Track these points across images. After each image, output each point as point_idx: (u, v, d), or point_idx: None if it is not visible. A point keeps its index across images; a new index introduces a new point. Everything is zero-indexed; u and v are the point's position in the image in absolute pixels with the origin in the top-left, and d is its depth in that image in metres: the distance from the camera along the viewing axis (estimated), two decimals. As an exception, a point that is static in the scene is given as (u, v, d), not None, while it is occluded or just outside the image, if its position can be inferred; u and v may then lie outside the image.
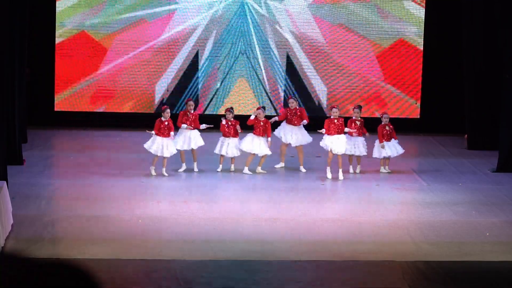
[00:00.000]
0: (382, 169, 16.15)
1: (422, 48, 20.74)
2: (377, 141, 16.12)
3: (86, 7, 20.15)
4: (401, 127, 18.21)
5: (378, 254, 11.18)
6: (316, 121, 16.42)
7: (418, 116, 20.80)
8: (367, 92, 20.76)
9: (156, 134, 15.22)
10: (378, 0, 20.54)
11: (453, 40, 20.20)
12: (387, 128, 16.15)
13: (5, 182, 12.07)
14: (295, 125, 16.29)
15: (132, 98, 20.42)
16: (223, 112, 17.72)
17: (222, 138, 15.73)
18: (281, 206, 13.46)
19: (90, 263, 10.08)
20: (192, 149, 15.68)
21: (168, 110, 15.40)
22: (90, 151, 17.62)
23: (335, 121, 15.52)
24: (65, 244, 11.17)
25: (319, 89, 20.70)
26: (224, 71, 20.56)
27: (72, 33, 20.17)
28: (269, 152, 15.71)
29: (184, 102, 20.32)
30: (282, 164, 16.45)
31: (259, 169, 15.75)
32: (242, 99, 20.52)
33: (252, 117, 15.85)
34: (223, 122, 15.77)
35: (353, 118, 16.04)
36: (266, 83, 20.57)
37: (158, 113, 17.15)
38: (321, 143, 15.63)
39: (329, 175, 15.40)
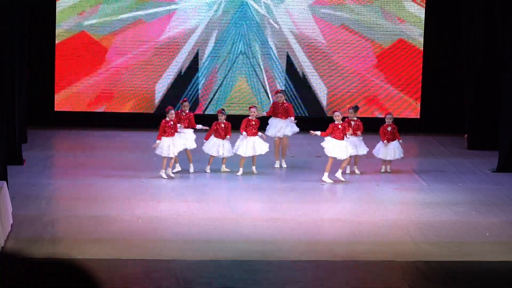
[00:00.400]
0: (383, 169, 16.08)
1: (422, 48, 20.74)
2: (381, 141, 16.04)
3: (86, 7, 20.15)
4: (401, 127, 18.16)
5: (378, 254, 11.19)
6: (316, 121, 16.42)
7: (418, 116, 20.80)
8: (366, 92, 20.75)
9: (163, 135, 15.10)
10: (378, 0, 20.54)
11: (453, 40, 20.20)
12: (389, 128, 16.05)
13: (5, 182, 12.08)
14: (281, 118, 16.33)
15: (132, 98, 20.41)
16: (263, 113, 17.74)
17: (214, 139, 15.61)
18: (281, 206, 13.46)
19: (90, 263, 10.07)
20: (186, 150, 15.63)
21: (173, 111, 15.30)
22: (90, 151, 17.61)
23: (339, 126, 15.21)
24: (65, 244, 11.18)
25: (319, 89, 20.70)
26: (224, 71, 20.55)
27: (72, 33, 20.16)
28: (267, 149, 15.59)
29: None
30: (277, 164, 16.45)
31: (253, 169, 15.63)
32: (242, 99, 20.51)
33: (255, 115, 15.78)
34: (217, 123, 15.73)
35: (348, 118, 15.96)
36: (266, 83, 20.56)
37: (158, 113, 17.18)
38: (326, 151, 15.25)
39: (328, 180, 15.09)
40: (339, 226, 12.68)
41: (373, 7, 20.56)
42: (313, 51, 20.61)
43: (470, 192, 14.85)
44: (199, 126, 15.75)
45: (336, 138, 15.13)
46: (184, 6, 20.33)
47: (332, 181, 15.05)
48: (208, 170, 15.68)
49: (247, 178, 15.55)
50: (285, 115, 16.36)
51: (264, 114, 16.74)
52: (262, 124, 16.24)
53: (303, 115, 20.56)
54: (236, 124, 16.34)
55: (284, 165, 16.41)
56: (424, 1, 20.62)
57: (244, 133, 15.50)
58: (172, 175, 15.19)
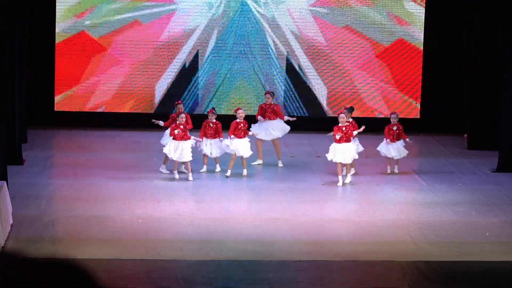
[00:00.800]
0: (388, 170, 15.96)
1: (422, 48, 20.74)
2: (384, 140, 15.99)
3: (86, 7, 20.14)
4: (401, 127, 18.20)
5: (378, 254, 11.19)
6: (316, 121, 16.40)
7: (418, 116, 20.79)
8: (366, 92, 20.74)
9: (174, 138, 14.94)
10: (378, 0, 20.53)
11: (453, 40, 20.19)
12: (394, 128, 15.94)
13: (5, 182, 12.08)
14: (270, 119, 16.33)
15: (132, 98, 20.41)
16: (223, 113, 17.72)
17: (204, 139, 15.46)
18: (281, 206, 13.46)
19: (90, 263, 10.07)
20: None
21: (183, 115, 15.07)
22: (90, 151, 17.61)
23: (343, 128, 14.99)
24: (65, 244, 11.18)
25: (319, 89, 20.69)
26: (224, 71, 20.55)
27: (72, 33, 20.16)
28: (250, 152, 15.45)
29: (186, 102, 20.33)
30: (260, 161, 16.45)
31: (244, 171, 15.46)
32: (242, 99, 20.51)
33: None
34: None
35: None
36: (266, 83, 20.56)
37: (158, 113, 17.15)
38: (329, 155, 15.07)
39: (340, 183, 14.93)
40: (339, 226, 12.68)
41: (373, 7, 20.55)
42: (313, 51, 20.60)
43: (470, 192, 14.85)
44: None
45: (340, 142, 14.94)
46: (184, 6, 20.32)
47: (341, 184, 14.94)
48: (203, 170, 15.65)
49: (247, 178, 15.54)
50: (273, 116, 16.37)
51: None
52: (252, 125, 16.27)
53: (303, 115, 20.56)
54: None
55: (281, 165, 16.40)
56: (424, 1, 20.61)
57: (232, 136, 15.36)
58: (177, 176, 15.07)
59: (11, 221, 11.69)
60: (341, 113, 15.28)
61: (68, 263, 3.04)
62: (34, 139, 18.12)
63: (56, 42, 20.13)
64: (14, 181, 13.75)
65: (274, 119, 16.40)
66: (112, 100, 20.38)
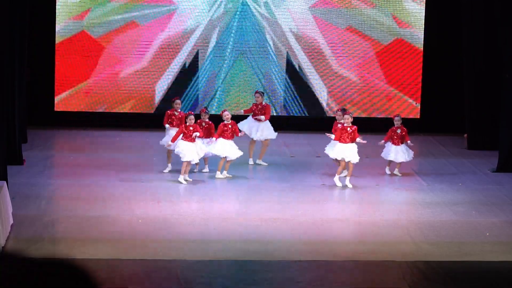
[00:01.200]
0: (387, 171, 15.86)
1: (422, 48, 20.74)
2: (388, 142, 15.91)
3: (86, 7, 20.14)
4: (401, 127, 18.20)
5: (378, 254, 11.19)
6: (316, 121, 16.40)
7: (418, 116, 20.79)
8: (366, 92, 20.75)
9: (183, 139, 14.82)
10: (378, 0, 20.53)
11: (453, 39, 20.19)
12: (398, 131, 15.82)
13: (5, 182, 12.08)
14: (259, 120, 16.34)
15: (132, 98, 20.41)
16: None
17: (185, 143, 14.95)
18: (281, 206, 13.46)
19: (90, 263, 10.08)
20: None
21: (192, 117, 14.89)
22: (90, 151, 17.61)
23: (348, 129, 14.88)
24: (65, 244, 11.18)
25: (319, 89, 20.70)
26: (224, 71, 20.55)
27: (72, 33, 20.16)
28: (239, 153, 15.29)
29: (185, 102, 20.34)
30: (251, 161, 16.46)
31: (225, 173, 15.28)
32: (242, 99, 20.51)
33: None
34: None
35: (336, 120, 15.89)
36: (266, 83, 20.56)
37: (158, 113, 17.15)
38: (332, 154, 15.02)
39: (338, 184, 14.84)
40: (339, 226, 12.68)
41: (373, 7, 20.55)
42: (313, 51, 20.60)
43: (470, 192, 14.85)
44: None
45: (343, 142, 14.88)
46: (184, 6, 20.32)
47: (341, 185, 14.80)
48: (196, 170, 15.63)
49: (246, 178, 15.54)
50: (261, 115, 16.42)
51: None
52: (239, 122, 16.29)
53: (303, 115, 20.57)
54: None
55: (264, 163, 16.41)
56: (424, 1, 20.61)
57: (216, 138, 15.19)
58: (189, 179, 14.95)
59: (11, 221, 11.69)
60: (345, 114, 15.17)
61: (68, 263, 3.04)
62: (34, 139, 18.11)
63: (56, 42, 20.13)
64: (14, 181, 13.75)
65: (263, 120, 16.41)
66: (112, 100, 20.38)
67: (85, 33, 20.20)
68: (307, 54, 20.59)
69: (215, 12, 20.42)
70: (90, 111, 20.34)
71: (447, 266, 10.82)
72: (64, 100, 20.31)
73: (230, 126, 15.33)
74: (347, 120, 14.93)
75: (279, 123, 20.21)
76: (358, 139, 14.81)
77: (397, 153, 15.75)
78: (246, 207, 13.47)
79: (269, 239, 11.65)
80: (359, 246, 11.52)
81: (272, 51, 20.54)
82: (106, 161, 16.52)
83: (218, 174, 15.22)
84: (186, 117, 14.99)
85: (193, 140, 14.80)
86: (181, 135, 14.76)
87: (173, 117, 15.64)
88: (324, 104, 20.68)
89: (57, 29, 20.10)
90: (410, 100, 20.86)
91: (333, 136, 15.10)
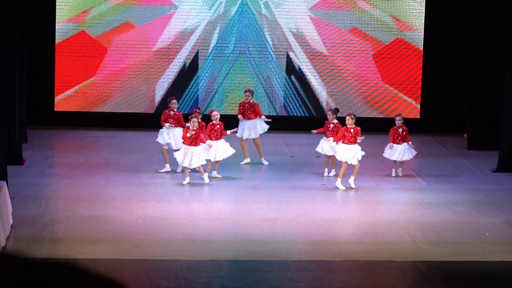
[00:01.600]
0: (393, 173, 15.81)
1: (422, 48, 20.74)
2: (390, 144, 15.85)
3: (86, 7, 20.15)
4: (401, 127, 18.20)
5: (378, 254, 11.19)
6: (316, 121, 16.38)
7: (418, 116, 20.80)
8: (366, 92, 20.75)
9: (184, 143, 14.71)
10: (378, 0, 20.53)
11: (453, 40, 20.20)
12: (400, 130, 15.77)
13: (5, 182, 12.07)
14: (249, 119, 16.33)
15: (132, 98, 20.41)
16: (223, 112, 17.68)
17: (184, 146, 14.74)
18: (281, 206, 13.46)
19: (90, 263, 10.08)
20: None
21: (195, 119, 14.71)
22: (90, 151, 17.61)
23: (352, 130, 14.77)
24: (65, 244, 11.18)
25: (319, 89, 20.70)
26: (224, 71, 20.56)
27: (72, 33, 20.17)
28: (231, 151, 15.17)
29: (185, 102, 20.35)
30: (247, 160, 16.45)
31: (214, 173, 15.11)
32: (241, 99, 20.48)
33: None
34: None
35: (328, 120, 15.89)
36: (266, 83, 20.57)
37: (159, 113, 17.13)
38: (337, 156, 14.86)
39: (341, 187, 14.67)
40: (339, 226, 12.68)
41: (372, 7, 20.55)
42: (313, 51, 20.61)
43: (470, 192, 14.85)
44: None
45: (348, 143, 14.77)
46: (184, 6, 20.33)
47: (345, 188, 14.66)
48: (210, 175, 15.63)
49: (246, 178, 15.55)
50: (253, 115, 16.39)
51: (236, 130, 16.30)
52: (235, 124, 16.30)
53: (303, 115, 20.57)
54: (236, 124, 16.43)
55: (266, 162, 16.43)
56: (424, 1, 20.61)
57: (208, 141, 14.89)
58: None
59: (11, 221, 11.69)
60: (347, 115, 15.04)
61: (69, 263, 3.04)
62: (34, 139, 18.12)
63: (56, 42, 20.13)
64: (14, 181, 13.75)
65: (253, 118, 16.41)
66: (112, 100, 20.38)
67: (85, 33, 20.20)
68: (307, 54, 20.60)
69: (215, 12, 20.43)
70: (90, 111, 20.34)
71: (447, 266, 10.81)
72: (64, 100, 20.32)
73: (218, 126, 15.21)
74: (349, 121, 14.81)
75: (279, 123, 20.25)
76: (358, 139, 14.73)
77: (400, 152, 15.70)
78: (246, 207, 13.46)
79: (269, 239, 11.65)
80: (359, 246, 11.52)
81: (272, 51, 20.54)
82: (106, 161, 16.52)
83: (206, 178, 14.85)
84: (190, 119, 14.77)
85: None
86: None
87: (170, 116, 15.64)
88: (324, 104, 20.68)
89: (57, 29, 20.11)
90: (410, 100, 20.86)
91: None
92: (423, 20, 20.65)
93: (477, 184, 15.51)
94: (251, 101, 16.52)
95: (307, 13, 20.52)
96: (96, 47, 20.23)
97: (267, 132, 16.77)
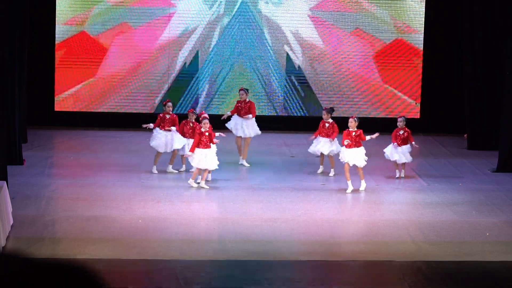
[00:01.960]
0: (397, 173, 15.69)
1: (422, 48, 20.74)
2: (391, 144, 15.80)
3: (86, 7, 20.15)
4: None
5: (378, 254, 11.19)
6: (316, 121, 16.37)
7: (418, 116, 20.79)
8: (366, 91, 20.75)
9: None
10: (378, 0, 20.52)
11: (453, 39, 20.20)
12: (401, 132, 15.67)
13: (5, 182, 12.07)
14: (244, 117, 16.33)
15: (132, 98, 20.41)
16: (222, 112, 17.67)
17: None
18: (281, 206, 13.46)
19: (90, 263, 10.08)
20: (174, 151, 15.49)
21: (206, 121, 14.51)
22: (90, 151, 17.61)
23: (353, 133, 14.67)
24: (65, 244, 11.18)
25: (319, 89, 20.70)
26: (224, 71, 20.55)
27: (72, 33, 20.16)
28: (215, 167, 14.57)
29: (185, 102, 20.34)
30: (243, 161, 16.42)
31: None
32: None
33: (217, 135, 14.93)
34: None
35: (323, 119, 15.89)
36: (266, 83, 20.57)
37: (159, 114, 17.09)
38: (343, 159, 14.68)
39: (350, 188, 14.54)
40: (339, 226, 12.68)
41: (372, 7, 20.55)
42: (313, 51, 20.61)
43: (470, 192, 14.85)
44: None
45: (350, 147, 14.62)
46: (184, 6, 20.32)
47: (352, 190, 14.56)
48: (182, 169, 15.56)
49: (246, 178, 15.54)
50: (247, 113, 16.39)
51: (229, 113, 16.60)
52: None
53: (303, 115, 20.58)
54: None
55: (246, 164, 16.33)
56: (424, 1, 20.61)
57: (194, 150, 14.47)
58: (195, 185, 14.58)
59: (11, 221, 11.69)
60: (350, 117, 14.91)
61: (69, 263, 3.04)
62: (34, 139, 18.12)
63: (56, 42, 20.13)
64: (14, 181, 13.76)
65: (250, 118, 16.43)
66: (112, 100, 20.38)
67: (85, 33, 20.20)
68: (307, 54, 20.60)
69: (215, 12, 20.42)
70: (90, 111, 20.34)
71: (447, 266, 10.82)
72: (64, 100, 20.31)
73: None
74: (351, 124, 14.70)
75: (279, 123, 20.25)
76: (368, 137, 14.59)
77: (399, 154, 15.63)
78: (246, 207, 13.46)
79: (269, 239, 11.65)
80: (359, 246, 11.52)
81: (272, 51, 20.54)
82: (106, 161, 16.52)
83: (192, 182, 14.59)
84: (201, 121, 14.58)
85: (208, 146, 14.57)
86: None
87: (165, 120, 15.58)
88: (324, 105, 20.66)
89: (57, 29, 20.10)
90: (410, 100, 20.86)
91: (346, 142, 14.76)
92: (423, 20, 20.65)
93: (477, 184, 15.51)
94: (246, 100, 16.52)
95: (307, 13, 20.52)
96: (96, 47, 20.23)
97: (267, 132, 16.74)
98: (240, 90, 16.80)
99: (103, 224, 12.13)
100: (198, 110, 18.67)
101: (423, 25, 20.66)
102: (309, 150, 15.99)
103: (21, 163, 15.68)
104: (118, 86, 20.35)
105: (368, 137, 14.70)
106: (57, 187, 14.35)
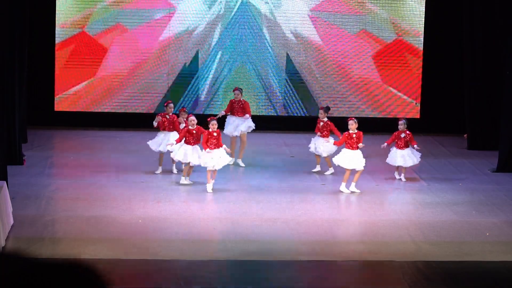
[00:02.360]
0: (396, 176, 15.57)
1: (422, 48, 20.74)
2: (393, 148, 15.80)
3: (86, 7, 20.14)
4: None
5: (378, 254, 11.19)
6: (316, 121, 16.35)
7: (418, 116, 20.79)
8: (365, 91, 20.74)
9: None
10: (378, 0, 20.52)
11: (453, 39, 20.20)
12: (402, 135, 15.54)
13: (5, 182, 12.07)
14: (239, 115, 16.32)
15: (132, 98, 20.41)
16: (222, 113, 17.64)
17: (208, 151, 14.31)
18: (281, 206, 13.46)
19: (90, 263, 10.07)
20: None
21: (214, 121, 14.40)
22: (90, 151, 17.61)
23: (354, 135, 14.58)
24: (65, 244, 11.18)
25: (319, 90, 20.69)
26: (224, 71, 20.55)
27: (72, 33, 20.16)
28: (227, 161, 14.52)
29: (185, 102, 20.34)
30: (232, 160, 16.28)
31: (187, 179, 14.69)
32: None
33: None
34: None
35: (319, 119, 15.91)
36: (266, 83, 20.56)
37: (159, 113, 17.11)
38: (336, 160, 14.67)
39: (345, 191, 14.49)
40: (339, 226, 12.68)
41: (372, 8, 20.55)
42: (313, 51, 20.60)
43: (470, 192, 14.85)
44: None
45: (350, 148, 14.60)
46: (184, 6, 20.32)
47: (349, 192, 14.51)
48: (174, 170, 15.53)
49: (246, 178, 15.54)
50: (242, 112, 16.40)
51: (223, 113, 16.60)
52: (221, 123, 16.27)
53: (303, 115, 20.58)
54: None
55: (242, 164, 16.29)
56: (424, 1, 20.60)
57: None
58: (186, 182, 14.68)
59: (11, 221, 11.69)
60: (350, 119, 14.86)
61: (69, 263, 3.03)
62: (34, 139, 18.11)
63: (56, 42, 20.13)
64: (14, 181, 13.75)
65: (243, 115, 16.41)
66: (112, 100, 20.38)
67: (85, 33, 20.19)
68: (306, 54, 20.59)
69: (215, 12, 20.42)
70: (90, 111, 20.34)
71: (447, 266, 10.82)
72: (64, 100, 20.31)
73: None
74: (351, 126, 14.63)
75: (279, 123, 20.25)
76: (360, 145, 14.54)
77: (404, 157, 15.52)
78: (246, 207, 13.46)
79: (269, 239, 11.65)
80: (359, 246, 11.52)
81: (272, 51, 20.54)
82: (106, 161, 16.52)
83: (183, 180, 14.66)
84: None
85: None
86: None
87: (165, 120, 15.57)
88: (324, 105, 20.65)
89: (57, 29, 20.10)
90: (410, 100, 20.85)
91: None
92: (423, 20, 20.64)
93: (477, 184, 15.51)
94: (241, 99, 16.52)
95: (307, 13, 20.52)
96: (96, 47, 20.23)
97: (267, 132, 16.73)
98: (235, 89, 16.77)
99: (103, 224, 12.13)
100: (198, 110, 18.70)
101: (423, 25, 20.66)
102: (310, 150, 16.00)
103: (21, 163, 15.68)
104: (118, 86, 20.35)
105: (361, 145, 14.57)
106: (57, 187, 14.35)
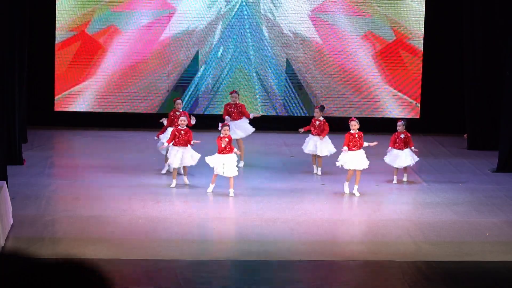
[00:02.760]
0: (395, 179, 15.43)
1: (422, 48, 20.74)
2: (389, 148, 15.70)
3: (86, 7, 20.14)
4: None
5: (378, 254, 11.19)
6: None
7: (418, 116, 20.79)
8: (366, 92, 20.74)
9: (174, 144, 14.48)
10: (378, 1, 20.53)
11: (453, 39, 20.20)
12: (402, 136, 15.45)
13: (5, 182, 12.07)
14: (235, 119, 16.26)
15: (132, 98, 20.40)
16: (221, 113, 17.65)
17: (218, 156, 14.20)
18: (281, 206, 13.45)
19: (90, 263, 10.07)
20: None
21: (226, 127, 14.30)
22: (90, 151, 17.61)
23: (356, 135, 14.51)
24: (65, 244, 11.18)
25: (319, 90, 20.69)
26: (224, 72, 20.55)
27: (72, 33, 20.16)
28: (235, 173, 14.24)
29: (185, 102, 20.34)
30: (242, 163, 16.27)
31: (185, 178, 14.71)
32: (241, 99, 20.48)
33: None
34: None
35: (314, 117, 15.88)
36: (266, 83, 20.56)
37: (158, 113, 17.14)
38: (339, 161, 14.57)
39: (346, 190, 14.45)
40: (338, 226, 12.68)
41: (372, 8, 20.55)
42: (313, 51, 20.60)
43: (470, 192, 14.85)
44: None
45: (352, 149, 14.53)
46: (184, 6, 20.32)
47: (348, 192, 14.45)
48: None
49: (246, 178, 15.54)
50: (239, 116, 16.31)
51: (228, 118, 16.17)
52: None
53: (303, 115, 20.57)
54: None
55: (241, 164, 16.21)
56: (424, 1, 20.60)
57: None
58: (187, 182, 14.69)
59: (11, 221, 11.69)
60: (351, 120, 14.79)
61: (69, 262, 3.04)
62: (34, 139, 18.11)
63: (56, 41, 20.13)
64: (14, 181, 13.75)
65: (239, 119, 16.34)
66: (112, 100, 20.38)
67: (85, 33, 20.19)
68: (306, 55, 20.59)
69: (215, 12, 20.42)
70: (90, 111, 20.34)
71: (447, 266, 10.82)
72: (64, 100, 20.31)
73: (183, 132, 14.44)
74: (353, 126, 14.56)
75: (279, 123, 20.25)
76: (366, 144, 14.49)
77: (402, 158, 15.49)
78: (246, 207, 13.46)
79: (269, 239, 11.65)
80: (359, 246, 11.52)
81: (272, 51, 20.54)
82: (106, 161, 16.52)
83: (174, 183, 14.56)
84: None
85: (185, 144, 14.55)
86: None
87: (175, 117, 15.49)
88: (324, 105, 20.65)
89: (57, 29, 20.10)
90: (410, 100, 20.85)
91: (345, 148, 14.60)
92: (423, 20, 20.64)
93: (477, 184, 15.51)
94: (237, 102, 16.45)
95: (307, 13, 20.52)
96: (96, 47, 20.22)
97: (267, 132, 16.73)
98: (233, 92, 16.59)
99: (103, 224, 12.13)
100: (198, 110, 18.70)
101: (423, 25, 20.66)
102: (305, 151, 15.96)
103: (21, 163, 15.67)
104: (118, 86, 20.35)
105: (365, 144, 14.57)
106: (57, 187, 14.35)
